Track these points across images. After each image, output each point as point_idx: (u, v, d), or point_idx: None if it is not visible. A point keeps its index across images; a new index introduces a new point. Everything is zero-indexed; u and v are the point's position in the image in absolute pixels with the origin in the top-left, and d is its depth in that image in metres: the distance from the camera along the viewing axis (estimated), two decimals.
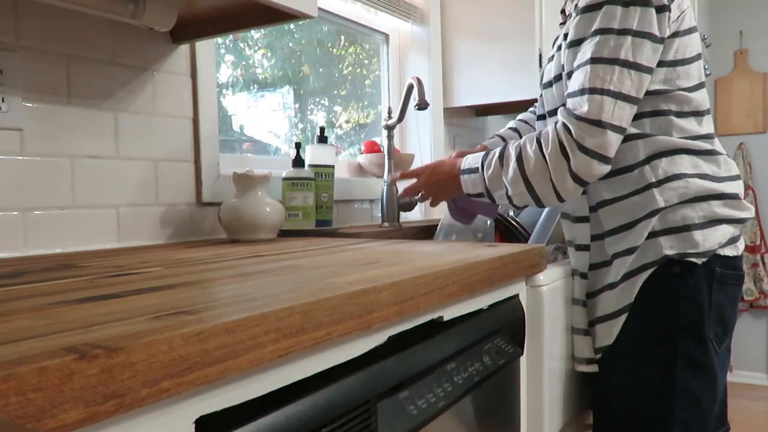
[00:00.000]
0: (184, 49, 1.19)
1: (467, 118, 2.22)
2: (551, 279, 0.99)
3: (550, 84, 1.12)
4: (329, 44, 1.83)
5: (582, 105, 0.93)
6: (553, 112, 1.12)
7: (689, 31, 1.01)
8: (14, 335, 0.37)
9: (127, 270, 0.71)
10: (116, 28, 1.07)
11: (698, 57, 1.02)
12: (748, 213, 1.03)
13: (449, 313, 0.74)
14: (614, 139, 0.94)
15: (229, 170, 1.28)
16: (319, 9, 1.58)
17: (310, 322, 0.48)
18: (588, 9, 0.97)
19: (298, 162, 1.33)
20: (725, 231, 1.00)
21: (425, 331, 0.69)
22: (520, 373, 0.93)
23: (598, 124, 0.92)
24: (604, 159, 0.94)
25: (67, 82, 1.00)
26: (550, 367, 0.99)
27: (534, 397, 0.96)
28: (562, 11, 1.19)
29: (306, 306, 0.48)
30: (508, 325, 0.88)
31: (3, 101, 0.91)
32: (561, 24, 1.20)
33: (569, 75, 1.01)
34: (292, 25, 1.67)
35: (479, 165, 1.06)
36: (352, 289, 0.54)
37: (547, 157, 0.97)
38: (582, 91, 0.94)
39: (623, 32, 0.94)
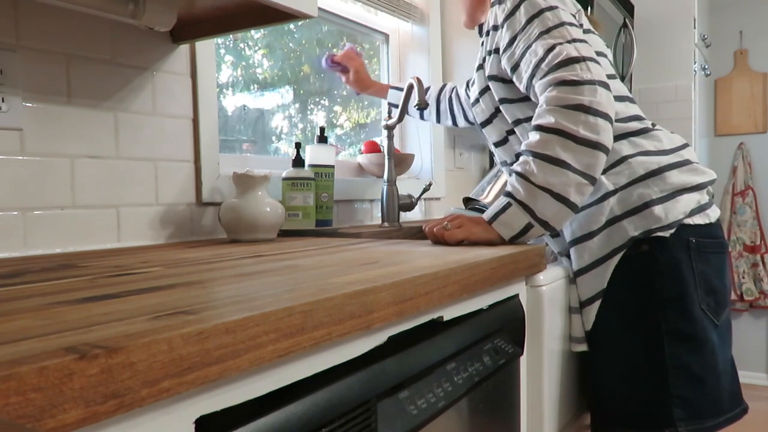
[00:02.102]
0: (184, 49, 1.19)
1: None
2: (551, 279, 0.99)
3: (477, 101, 1.21)
4: (329, 44, 1.83)
5: (557, 57, 0.97)
6: (485, 123, 1.21)
7: (588, 31, 1.11)
8: (14, 335, 0.37)
9: (127, 270, 0.71)
10: (116, 28, 1.07)
11: (604, 54, 1.10)
12: (707, 176, 1.06)
13: (449, 313, 0.74)
14: (597, 69, 0.96)
15: (229, 170, 1.28)
16: (319, 9, 1.58)
17: (310, 322, 0.48)
18: (510, 14, 1.06)
19: (298, 162, 1.33)
20: (687, 200, 1.02)
21: (425, 331, 0.69)
22: (520, 373, 0.93)
23: (580, 59, 0.96)
24: (604, 85, 0.95)
25: (67, 82, 1.00)
26: (550, 367, 0.99)
27: (534, 397, 0.96)
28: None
29: (306, 306, 0.48)
30: (508, 325, 0.88)
31: (3, 101, 0.92)
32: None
33: (514, 69, 1.06)
34: (292, 25, 1.67)
35: (506, 201, 0.95)
36: (352, 289, 0.54)
37: (559, 126, 0.92)
38: (547, 52, 0.98)
39: (551, 8, 1.03)
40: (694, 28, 2.72)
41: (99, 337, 0.37)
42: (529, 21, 1.03)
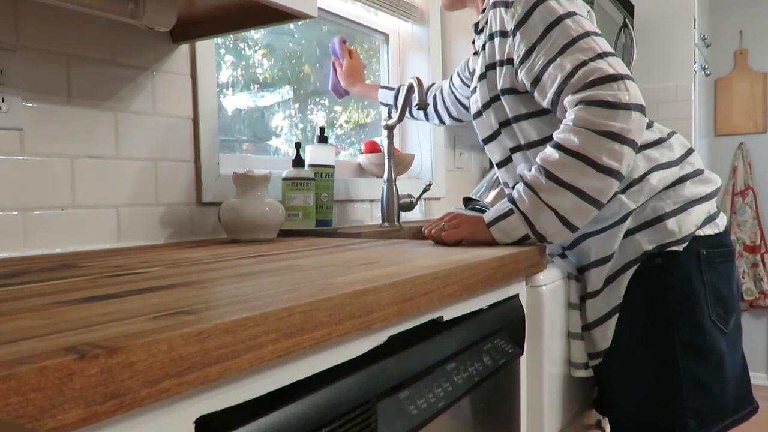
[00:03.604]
0: (184, 49, 1.19)
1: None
2: (551, 279, 0.99)
3: (479, 113, 1.11)
4: (329, 44, 1.83)
5: (590, 74, 0.90)
6: (488, 139, 1.12)
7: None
8: (14, 335, 0.37)
9: (127, 270, 0.71)
10: (116, 28, 1.07)
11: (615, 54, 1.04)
12: (714, 184, 1.05)
13: (449, 313, 0.74)
14: (634, 89, 0.90)
15: (229, 170, 1.28)
16: (319, 9, 1.57)
17: (310, 322, 0.48)
18: (522, 21, 0.98)
19: (298, 162, 1.33)
20: (699, 212, 1.01)
21: (425, 331, 0.69)
22: (520, 373, 0.93)
23: (617, 78, 0.89)
24: (640, 108, 0.89)
25: (67, 82, 1.00)
26: (550, 367, 0.99)
27: (534, 397, 0.96)
28: (474, 43, 1.22)
29: (306, 306, 0.48)
30: (508, 325, 0.88)
31: (3, 101, 0.92)
32: (474, 54, 1.22)
33: (535, 83, 0.98)
34: (291, 25, 1.67)
35: (508, 207, 0.94)
36: (352, 289, 0.54)
37: (582, 151, 0.88)
38: (577, 68, 0.92)
39: (570, 14, 0.96)
40: (694, 28, 2.72)
41: (99, 337, 0.37)
42: (548, 30, 0.95)
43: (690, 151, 1.06)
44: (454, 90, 1.51)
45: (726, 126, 3.34)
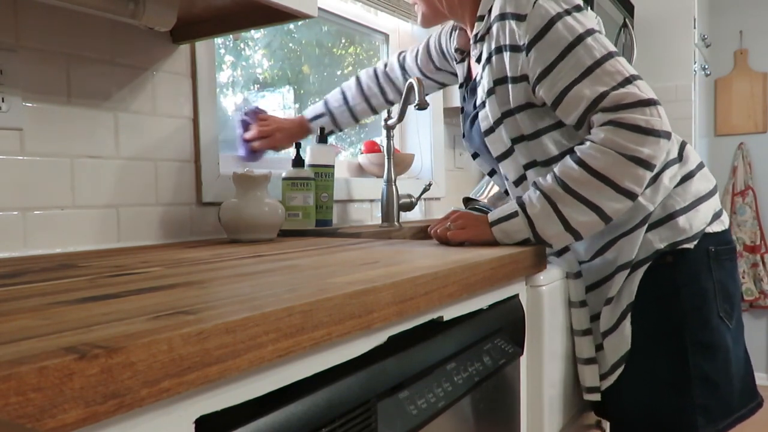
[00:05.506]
0: (184, 49, 1.19)
1: None
2: (551, 279, 0.99)
3: (491, 130, 1.06)
4: (329, 44, 1.83)
5: (622, 98, 0.89)
6: (501, 157, 1.07)
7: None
8: (14, 335, 0.37)
9: (127, 270, 0.71)
10: (116, 28, 1.07)
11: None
12: (713, 181, 1.07)
13: (449, 313, 0.74)
14: (664, 114, 0.90)
15: (229, 170, 1.28)
16: (319, 9, 1.57)
17: (310, 322, 0.48)
18: (539, 37, 0.95)
19: (298, 162, 1.33)
20: (706, 209, 1.02)
21: (425, 331, 0.69)
22: (520, 373, 0.93)
23: (650, 103, 0.89)
24: (668, 135, 0.90)
25: (67, 82, 1.00)
26: (550, 367, 0.99)
27: (534, 397, 0.96)
28: (459, 50, 1.19)
29: (306, 306, 0.48)
30: (508, 325, 0.88)
31: (3, 101, 0.91)
32: (459, 62, 1.19)
33: (556, 103, 0.96)
34: (292, 25, 1.67)
35: (514, 209, 0.94)
36: (352, 289, 0.54)
37: (606, 173, 0.88)
38: (609, 91, 0.90)
39: (589, 32, 0.94)
40: (694, 28, 2.72)
41: (99, 337, 0.37)
42: (569, 49, 0.93)
43: (684, 144, 1.07)
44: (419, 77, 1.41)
45: (726, 126, 3.34)
